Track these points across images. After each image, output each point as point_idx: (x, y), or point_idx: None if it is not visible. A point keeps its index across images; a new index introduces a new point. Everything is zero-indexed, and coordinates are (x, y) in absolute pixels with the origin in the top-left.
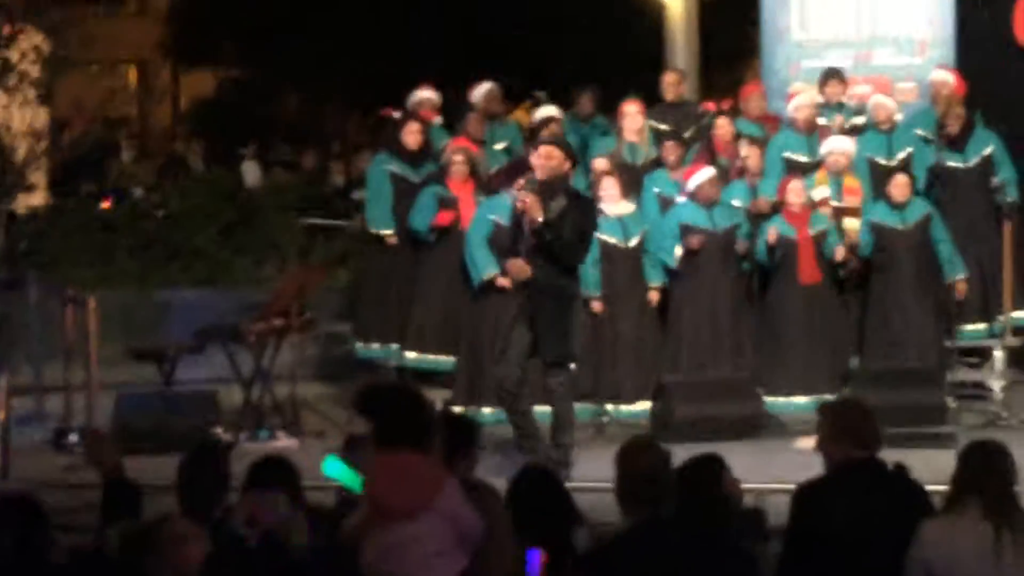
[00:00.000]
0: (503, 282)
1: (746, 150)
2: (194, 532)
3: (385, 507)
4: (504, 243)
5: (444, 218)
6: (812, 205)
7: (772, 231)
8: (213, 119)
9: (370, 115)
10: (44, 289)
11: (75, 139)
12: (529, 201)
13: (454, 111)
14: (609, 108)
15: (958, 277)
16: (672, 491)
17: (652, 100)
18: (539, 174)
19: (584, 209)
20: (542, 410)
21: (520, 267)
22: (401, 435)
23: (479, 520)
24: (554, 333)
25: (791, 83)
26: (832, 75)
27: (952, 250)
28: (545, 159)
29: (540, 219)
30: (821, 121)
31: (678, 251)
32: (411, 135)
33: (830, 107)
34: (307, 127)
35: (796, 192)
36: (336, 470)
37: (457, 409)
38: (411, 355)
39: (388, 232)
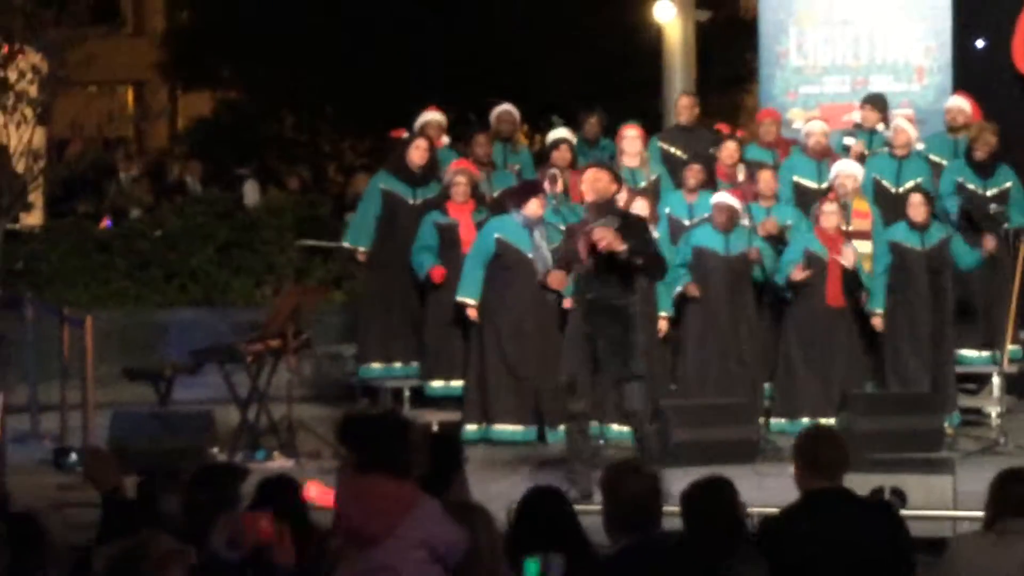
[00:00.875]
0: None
1: (747, 174)
2: (179, 552)
3: (349, 531)
4: (512, 259)
5: (438, 275)
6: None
7: (799, 270)
8: (210, 140)
9: (365, 138)
10: (41, 309)
11: (72, 159)
12: (608, 236)
13: (457, 133)
14: (608, 132)
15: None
16: (659, 514)
17: (651, 124)
18: (588, 197)
19: (638, 226)
20: (619, 429)
21: (560, 278)
22: (378, 461)
23: (460, 540)
24: (616, 352)
25: (789, 109)
26: (870, 100)
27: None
28: (592, 182)
29: (623, 247)
30: (849, 141)
31: (678, 290)
32: (417, 151)
33: (864, 131)
34: (303, 149)
35: (831, 214)
36: (318, 492)
37: (471, 427)
38: (437, 384)
39: (361, 249)
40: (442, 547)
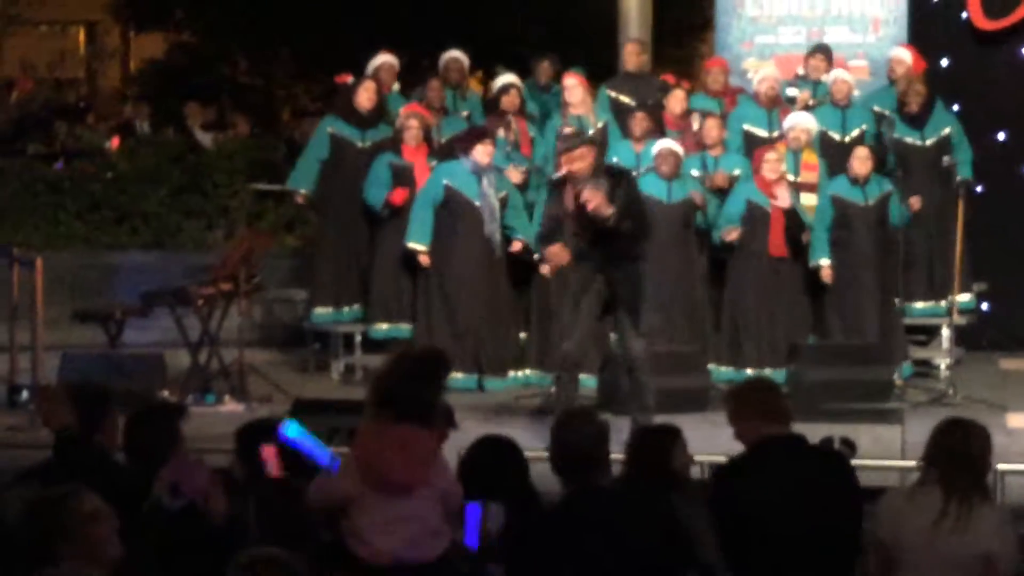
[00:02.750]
0: (544, 270)
1: (701, 123)
2: (104, 511)
3: (387, 480)
4: (460, 205)
5: (399, 196)
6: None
7: (733, 232)
8: (163, 82)
9: (318, 82)
10: None
11: (23, 100)
12: (597, 198)
13: (409, 79)
14: (560, 77)
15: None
16: (605, 461)
17: (606, 71)
18: (576, 168)
19: (627, 178)
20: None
21: (558, 252)
22: (414, 411)
23: (461, 494)
24: (632, 300)
25: (744, 58)
26: (820, 50)
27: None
28: (580, 160)
29: (611, 211)
30: (792, 92)
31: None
32: (365, 93)
33: (808, 81)
34: (257, 93)
35: (773, 164)
36: (297, 432)
37: None
38: (381, 326)
39: (302, 191)
40: (453, 500)
